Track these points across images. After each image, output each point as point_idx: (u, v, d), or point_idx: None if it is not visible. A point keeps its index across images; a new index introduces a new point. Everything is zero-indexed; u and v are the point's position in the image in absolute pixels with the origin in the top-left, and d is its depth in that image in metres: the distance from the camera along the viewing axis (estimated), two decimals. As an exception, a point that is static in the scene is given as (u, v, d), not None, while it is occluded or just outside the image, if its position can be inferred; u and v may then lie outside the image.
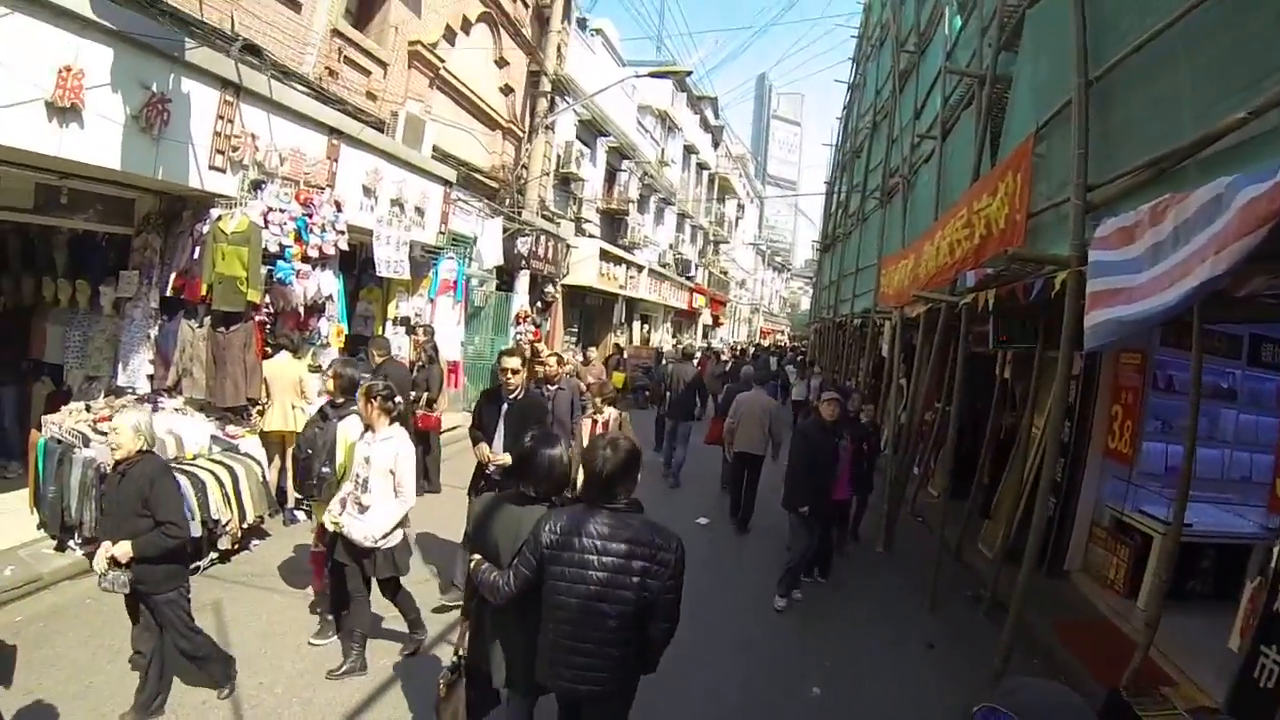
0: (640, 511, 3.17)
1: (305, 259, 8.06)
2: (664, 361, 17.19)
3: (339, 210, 8.47)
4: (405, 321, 11.51)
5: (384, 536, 4.76)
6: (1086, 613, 7.23)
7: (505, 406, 5.87)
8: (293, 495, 7.83)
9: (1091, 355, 7.91)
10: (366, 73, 10.98)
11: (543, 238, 15.97)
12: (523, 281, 15.64)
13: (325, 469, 5.47)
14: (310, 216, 8.04)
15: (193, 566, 6.07)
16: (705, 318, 40.76)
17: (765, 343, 54.24)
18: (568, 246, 18.30)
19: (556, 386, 7.28)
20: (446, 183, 11.33)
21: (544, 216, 16.75)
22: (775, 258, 76.91)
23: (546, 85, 15.86)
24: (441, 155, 12.32)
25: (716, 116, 39.76)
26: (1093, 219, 4.40)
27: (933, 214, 8.75)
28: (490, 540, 3.35)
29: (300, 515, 7.88)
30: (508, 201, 14.92)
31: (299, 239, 7.93)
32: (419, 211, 10.62)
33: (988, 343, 8.56)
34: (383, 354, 8.07)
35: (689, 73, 15.05)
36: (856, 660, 6.07)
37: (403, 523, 4.91)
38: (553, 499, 3.39)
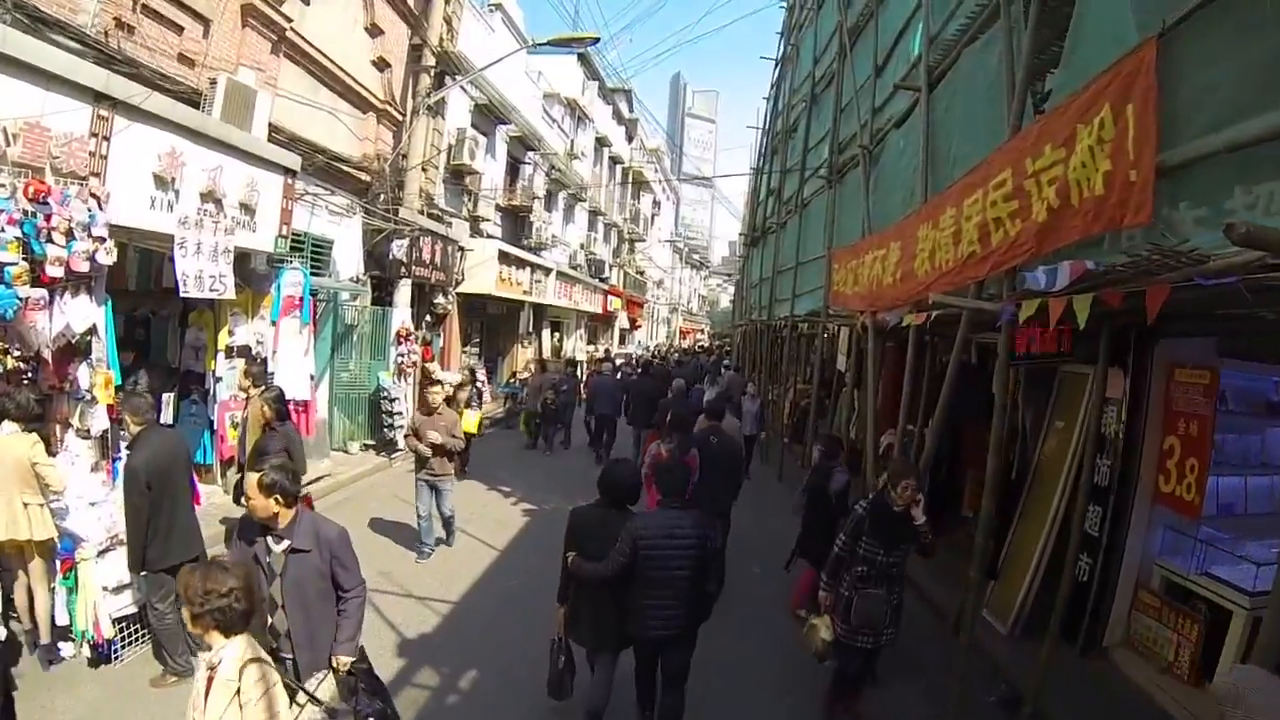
0: (694, 507, 4.71)
1: (44, 280, 5.51)
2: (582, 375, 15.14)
3: (99, 208, 5.90)
4: (245, 352, 8.93)
5: None
6: (1144, 706, 5.60)
7: None
8: (45, 628, 5.32)
9: (1140, 372, 6.05)
10: (178, 29, 8.38)
11: (426, 239, 13.37)
12: (404, 292, 12.99)
13: None
14: (48, 219, 5.47)
15: None
16: (622, 321, 38.56)
17: (687, 343, 52.67)
18: (460, 249, 15.73)
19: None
20: (288, 171, 8.75)
21: (431, 215, 14.21)
22: (693, 255, 75.29)
23: (430, 59, 13.32)
24: (289, 138, 9.80)
25: (631, 109, 37.67)
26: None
27: (918, 188, 6.72)
28: (583, 538, 4.60)
29: (66, 650, 5.41)
30: (382, 197, 12.33)
31: (27, 251, 5.36)
32: (246, 209, 8.05)
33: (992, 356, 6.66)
34: (140, 420, 5.39)
35: (595, 39, 12.86)
36: None
37: None
38: (625, 505, 4.70)
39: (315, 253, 10.86)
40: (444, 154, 15.28)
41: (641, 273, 42.98)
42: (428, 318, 15.00)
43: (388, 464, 11.91)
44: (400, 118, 13.28)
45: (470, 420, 11.28)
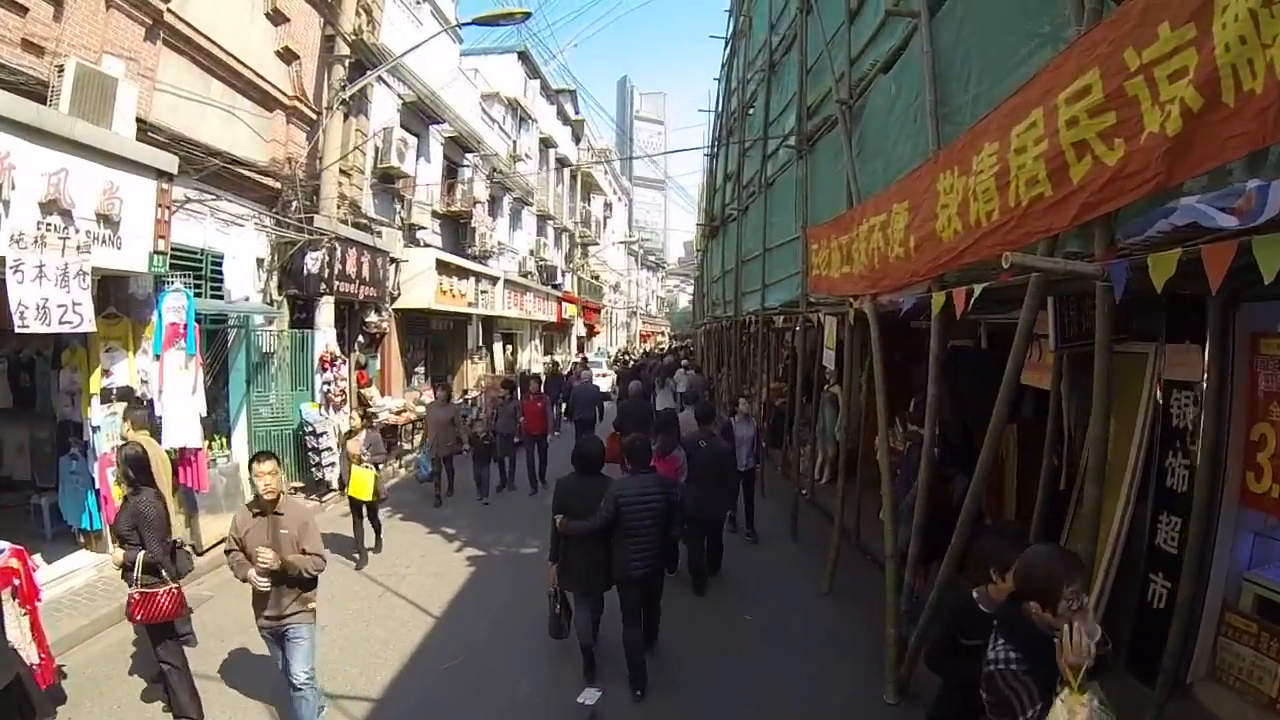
0: (655, 472, 5.96)
1: None
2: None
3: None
4: (126, 394, 7.50)
5: None
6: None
7: None
8: None
9: (1219, 347, 4.82)
10: (21, 10, 6.90)
11: (350, 250, 11.88)
12: (326, 312, 11.45)
13: None
14: None
15: None
16: (579, 328, 37.16)
17: (648, 346, 51.44)
18: (392, 260, 14.26)
19: None
20: (162, 174, 7.30)
21: (358, 224, 12.74)
22: (649, 257, 74.05)
23: (344, 48, 11.90)
24: (172, 138, 8.32)
25: (576, 110, 36.32)
26: None
27: (925, 136, 5.46)
28: (569, 503, 5.57)
29: None
30: (294, 205, 10.85)
31: None
32: (106, 220, 6.59)
33: (1051, 343, 5.45)
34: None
35: (527, 15, 11.29)
36: None
37: None
38: (597, 472, 5.80)
39: (215, 273, 9.40)
40: (370, 157, 13.84)
41: (596, 277, 41.67)
42: (360, 339, 13.50)
43: (318, 508, 10.45)
44: (314, 116, 11.80)
45: (363, 483, 8.41)
